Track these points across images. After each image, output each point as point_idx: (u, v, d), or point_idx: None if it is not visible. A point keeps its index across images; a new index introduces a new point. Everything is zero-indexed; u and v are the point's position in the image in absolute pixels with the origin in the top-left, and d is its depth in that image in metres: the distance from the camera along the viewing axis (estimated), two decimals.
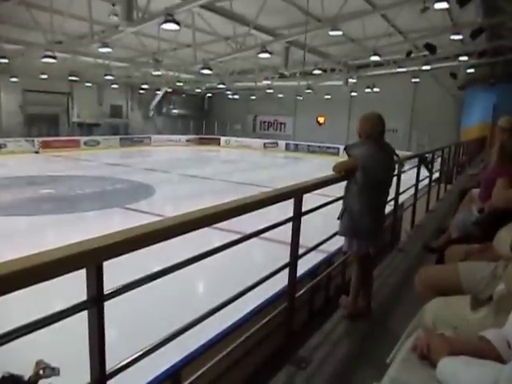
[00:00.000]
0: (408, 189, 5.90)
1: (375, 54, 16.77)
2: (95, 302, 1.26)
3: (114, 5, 12.96)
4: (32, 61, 18.83)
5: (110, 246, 1.24)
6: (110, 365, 1.38)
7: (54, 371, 2.01)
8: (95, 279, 1.25)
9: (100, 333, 1.29)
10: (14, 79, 23.48)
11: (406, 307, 3.25)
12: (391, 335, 2.64)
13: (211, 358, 2.37)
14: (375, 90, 25.68)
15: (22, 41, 16.40)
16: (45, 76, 23.49)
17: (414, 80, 23.17)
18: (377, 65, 21.25)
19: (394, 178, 3.90)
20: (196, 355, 4.17)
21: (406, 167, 5.22)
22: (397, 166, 3.61)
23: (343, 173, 3.01)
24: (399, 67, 20.16)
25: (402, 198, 5.67)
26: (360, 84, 25.10)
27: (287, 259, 2.57)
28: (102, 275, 1.27)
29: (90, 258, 1.22)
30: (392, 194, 4.08)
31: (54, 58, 15.62)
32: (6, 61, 17.07)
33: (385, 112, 3.41)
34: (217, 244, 1.92)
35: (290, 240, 2.54)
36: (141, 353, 1.48)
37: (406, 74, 22.02)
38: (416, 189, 6.14)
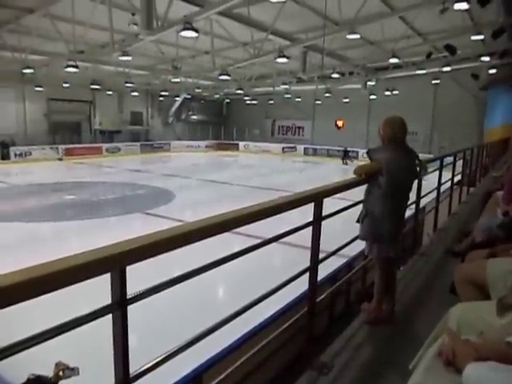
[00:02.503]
0: (430, 192, 5.81)
1: (394, 57, 16.63)
2: (119, 305, 1.28)
3: (133, 14, 13.22)
4: (55, 70, 19.36)
5: (133, 251, 1.26)
6: (133, 368, 1.40)
7: (73, 372, 2.05)
8: (119, 283, 1.27)
9: (124, 336, 1.31)
10: (38, 88, 24.15)
11: (429, 312, 3.19)
12: (414, 340, 2.60)
13: (232, 363, 2.37)
14: (394, 92, 25.42)
15: (45, 51, 16.90)
16: (67, 85, 24.10)
17: (434, 82, 22.87)
18: (396, 67, 21.03)
19: (415, 182, 3.85)
20: (217, 359, 4.18)
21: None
22: (420, 171, 3.55)
23: (363, 176, 2.98)
24: (419, 69, 19.92)
25: (423, 202, 5.58)
26: (379, 87, 24.90)
27: (306, 263, 2.56)
28: (126, 279, 1.29)
29: (115, 263, 1.24)
30: (413, 198, 4.03)
31: (76, 67, 16.03)
32: (31, 71, 17.58)
33: (405, 114, 3.38)
34: (236, 248, 1.92)
35: (308, 244, 2.53)
36: (163, 356, 1.50)
37: (425, 76, 21.72)
38: (438, 192, 6.04)
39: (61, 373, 2.04)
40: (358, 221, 3.10)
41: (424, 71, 20.07)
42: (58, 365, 2.07)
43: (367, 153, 3.10)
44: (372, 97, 27.13)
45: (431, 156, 7.09)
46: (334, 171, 23.45)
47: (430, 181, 5.66)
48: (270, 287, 2.25)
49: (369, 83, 23.80)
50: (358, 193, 3.17)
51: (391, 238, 3.04)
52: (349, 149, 28.61)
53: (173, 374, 3.74)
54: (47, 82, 23.58)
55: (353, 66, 22.08)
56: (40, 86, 23.96)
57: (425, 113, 27.43)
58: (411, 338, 2.80)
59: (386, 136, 3.05)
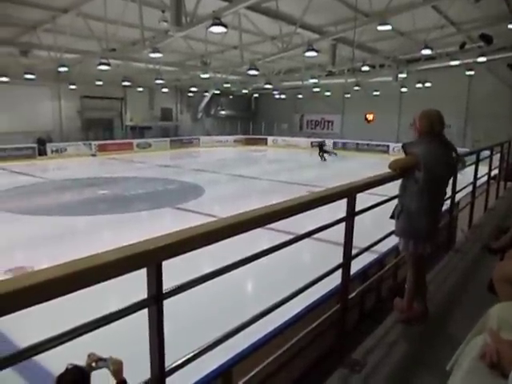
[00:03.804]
0: (465, 187, 5.63)
1: (426, 48, 16.11)
2: (155, 300, 1.30)
3: (163, 11, 13.36)
4: (88, 68, 19.84)
5: (169, 246, 1.28)
6: (167, 362, 1.42)
7: (105, 363, 2.10)
8: (155, 278, 1.29)
9: (159, 330, 1.33)
10: (72, 86, 24.83)
11: (465, 311, 3.11)
12: (450, 340, 2.53)
13: (262, 357, 2.38)
14: (426, 84, 24.69)
15: (79, 50, 17.32)
16: (100, 82, 24.66)
17: (468, 73, 22.06)
18: (428, 58, 20.42)
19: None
20: (247, 354, 4.21)
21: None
22: (459, 165, 3.43)
23: (398, 171, 2.90)
24: (452, 60, 19.24)
25: (457, 197, 5.42)
26: (410, 79, 24.24)
27: (335, 259, 2.53)
28: (162, 274, 1.31)
29: (151, 258, 1.26)
30: (448, 193, 3.91)
31: (108, 64, 16.37)
32: (66, 69, 18.07)
33: (437, 107, 3.25)
34: (264, 243, 1.92)
35: (335, 239, 2.50)
36: (197, 351, 1.51)
37: (459, 67, 20.98)
38: (474, 186, 5.85)
39: (93, 364, 2.10)
40: (392, 217, 3.03)
41: (458, 62, 19.36)
42: (90, 356, 2.13)
43: (402, 147, 3.01)
44: (403, 89, 26.43)
45: (466, 150, 6.86)
46: (364, 165, 23.06)
47: (464, 175, 5.49)
48: (298, 283, 2.23)
49: (400, 75, 23.20)
50: (392, 188, 3.10)
51: (428, 234, 2.96)
52: (326, 142, 27.37)
53: (202, 367, 3.79)
54: (80, 79, 24.21)
55: (383, 58, 21.60)
56: (74, 84, 24.63)
57: (458, 105, 26.56)
58: (446, 337, 2.74)
59: (422, 129, 2.94)
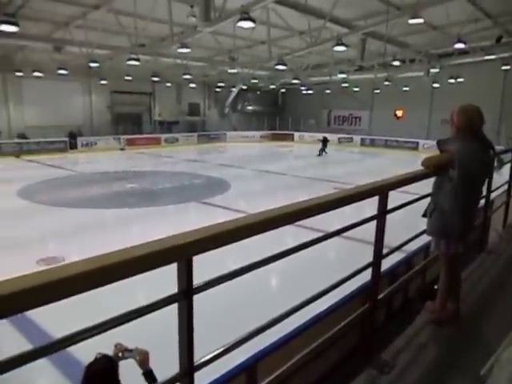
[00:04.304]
0: (501, 186, 5.43)
1: (460, 42, 15.60)
2: (185, 295, 1.30)
3: (192, 6, 13.44)
4: (118, 64, 20.20)
5: (199, 241, 1.27)
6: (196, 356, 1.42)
7: (131, 353, 2.13)
8: (185, 273, 1.28)
9: (189, 325, 1.33)
10: (103, 82, 25.35)
11: (499, 314, 3.00)
12: (484, 344, 2.45)
13: (288, 354, 2.36)
14: (459, 80, 23.96)
15: (109, 45, 17.63)
16: (129, 78, 25.08)
17: (504, 68, 21.30)
18: (462, 53, 19.81)
19: None
20: (272, 349, 4.20)
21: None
22: (496, 164, 3.29)
23: (431, 168, 2.80)
24: (487, 54, 18.58)
25: (492, 196, 5.23)
26: (442, 74, 23.59)
27: (361, 256, 2.47)
28: (192, 269, 1.30)
29: (182, 253, 1.26)
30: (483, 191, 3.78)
31: (137, 60, 16.61)
32: (96, 65, 18.44)
33: (470, 103, 3.13)
34: (290, 240, 1.89)
35: (359, 237, 2.44)
36: (226, 347, 1.51)
37: (494, 62, 20.28)
38: (509, 186, 5.64)
39: (120, 354, 2.14)
40: (424, 215, 2.95)
41: (493, 57, 18.71)
42: (117, 346, 2.17)
43: (437, 143, 2.91)
44: (435, 85, 25.72)
45: (501, 147, 6.61)
46: (394, 162, 22.66)
47: (500, 173, 5.29)
48: (325, 280, 2.20)
49: (431, 70, 22.60)
50: (421, 186, 3.01)
51: (461, 233, 2.86)
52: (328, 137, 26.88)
53: (228, 361, 3.80)
54: (111, 75, 24.68)
55: (415, 52, 21.08)
56: (104, 79, 25.15)
57: (492, 101, 25.62)
58: (480, 340, 2.65)
59: (460, 125, 2.82)
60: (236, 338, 1.58)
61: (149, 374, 2.15)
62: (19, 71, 22.27)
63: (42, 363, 1.29)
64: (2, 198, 12.59)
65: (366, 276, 2.58)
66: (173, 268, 1.28)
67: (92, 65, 18.47)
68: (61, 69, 20.54)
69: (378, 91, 28.98)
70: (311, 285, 2.43)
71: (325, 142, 26.37)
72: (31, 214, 11.00)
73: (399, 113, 31.52)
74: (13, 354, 1.01)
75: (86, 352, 2.10)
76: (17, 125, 24.28)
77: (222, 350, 1.50)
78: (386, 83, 24.69)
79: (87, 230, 9.49)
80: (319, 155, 25.69)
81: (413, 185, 2.75)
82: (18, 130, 24.22)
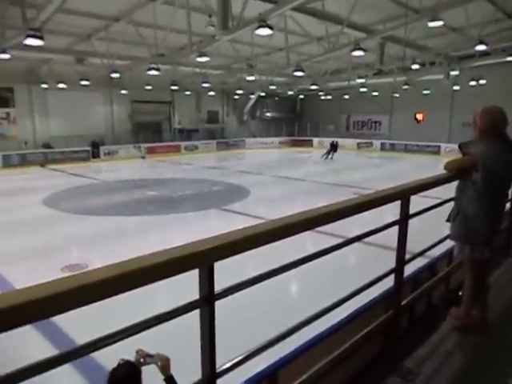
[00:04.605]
0: None
1: (481, 43, 15.34)
2: (207, 301, 1.30)
3: (210, 16, 13.61)
4: (138, 74, 20.57)
5: (220, 248, 1.28)
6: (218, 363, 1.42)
7: (153, 359, 2.14)
8: (207, 279, 1.29)
9: (211, 331, 1.34)
10: (123, 91, 25.85)
11: None
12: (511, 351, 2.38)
13: (309, 361, 2.34)
14: (481, 82, 23.50)
15: (130, 56, 17.98)
16: (149, 87, 25.50)
17: None
18: (482, 54, 19.42)
19: None
20: (294, 356, 4.16)
21: None
22: None
23: (454, 172, 2.75)
24: (509, 55, 18.18)
25: None
26: (463, 76, 23.17)
27: (382, 262, 2.44)
28: (213, 275, 1.31)
29: (203, 259, 1.27)
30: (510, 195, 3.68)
31: (157, 69, 16.88)
32: (117, 75, 18.83)
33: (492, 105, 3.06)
34: (310, 246, 1.88)
35: (380, 242, 2.41)
36: (248, 353, 1.51)
37: None
38: None
39: (142, 360, 2.15)
40: (448, 220, 2.89)
41: None
42: (138, 352, 2.18)
43: (459, 147, 2.85)
44: (455, 87, 25.30)
45: None
46: (415, 167, 22.33)
47: None
48: (345, 286, 2.18)
49: (452, 73, 22.21)
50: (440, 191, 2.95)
51: (486, 238, 2.79)
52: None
53: (249, 369, 3.78)
54: (131, 85, 25.16)
55: (434, 55, 20.81)
56: (125, 89, 25.64)
57: None
58: (507, 348, 2.57)
59: (484, 127, 2.77)
60: (257, 344, 1.58)
61: (170, 380, 2.15)
62: (44, 83, 22.95)
63: (65, 368, 1.31)
64: (28, 207, 12.92)
65: (389, 282, 2.54)
66: (187, 275, 1.28)
67: (113, 75, 18.85)
68: (83, 80, 21.05)
69: (398, 95, 28.67)
70: (332, 291, 2.41)
71: (334, 146, 26.75)
72: (56, 221, 11.25)
73: (419, 116, 31.08)
74: (38, 359, 1.03)
75: (108, 358, 2.13)
76: (42, 135, 24.95)
77: (243, 356, 1.50)
78: (406, 87, 24.41)
79: (109, 237, 9.64)
80: (325, 158, 26.24)
81: (435, 189, 2.71)
82: (42, 140, 24.88)
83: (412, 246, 2.82)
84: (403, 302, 2.53)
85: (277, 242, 1.53)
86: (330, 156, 26.44)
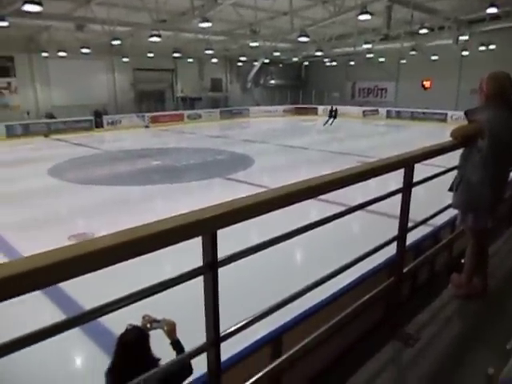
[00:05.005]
0: None
1: (492, 6, 14.81)
2: (211, 267, 1.32)
3: None
4: (140, 41, 20.17)
5: (224, 215, 1.29)
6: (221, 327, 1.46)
7: (159, 324, 2.20)
8: (210, 246, 1.31)
9: (215, 297, 1.37)
10: (125, 59, 25.43)
11: None
12: (511, 318, 2.42)
13: (313, 326, 2.39)
14: (491, 47, 22.82)
15: (131, 22, 17.59)
16: (151, 55, 25.06)
17: None
18: (493, 18, 18.77)
19: None
20: (297, 322, 4.26)
21: None
22: None
23: (460, 139, 2.71)
24: None
25: None
26: (472, 42, 22.50)
27: (385, 230, 2.45)
28: (217, 243, 1.33)
29: (206, 227, 1.28)
30: None
31: (159, 36, 16.55)
32: (118, 42, 18.49)
33: (503, 71, 2.98)
34: (313, 214, 1.89)
35: (383, 210, 2.41)
36: (251, 319, 1.54)
37: None
38: None
39: (148, 325, 2.21)
40: (450, 189, 2.87)
41: None
42: (145, 318, 2.25)
43: (465, 114, 2.80)
44: (464, 53, 24.62)
45: None
46: (421, 135, 22.09)
47: None
48: (348, 254, 2.20)
49: (461, 38, 21.55)
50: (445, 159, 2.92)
51: (490, 207, 2.77)
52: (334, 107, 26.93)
53: (254, 334, 3.89)
54: (133, 52, 24.73)
55: (443, 19, 20.16)
56: (126, 57, 25.21)
57: None
58: (506, 315, 2.61)
59: (490, 93, 2.71)
60: (260, 310, 1.61)
61: (176, 344, 2.22)
62: (45, 51, 22.59)
63: (74, 333, 1.34)
64: (34, 177, 12.99)
65: (392, 250, 2.57)
66: (194, 242, 1.30)
67: (114, 42, 18.52)
68: (84, 48, 20.68)
69: (405, 61, 28.04)
70: (335, 259, 2.44)
71: (332, 112, 26.62)
72: (61, 191, 11.33)
73: (427, 83, 30.46)
74: (47, 324, 1.06)
75: (116, 323, 2.19)
76: (44, 105, 24.77)
77: (246, 321, 1.54)
78: (413, 53, 23.82)
79: (114, 206, 9.73)
80: (324, 124, 26.18)
81: (440, 158, 2.68)
82: (45, 109, 24.72)
83: (415, 215, 2.83)
84: (405, 270, 2.56)
85: (279, 210, 1.54)
86: (329, 122, 26.23)
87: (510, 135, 2.71)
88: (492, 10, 15.16)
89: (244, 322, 1.53)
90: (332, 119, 26.40)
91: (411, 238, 5.47)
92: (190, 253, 1.62)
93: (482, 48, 22.94)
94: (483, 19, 19.56)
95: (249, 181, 11.90)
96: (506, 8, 16.86)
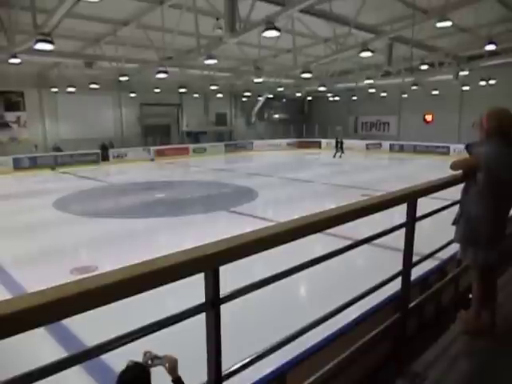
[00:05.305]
0: None
1: (491, 43, 15.22)
2: (213, 304, 1.32)
3: (217, 19, 13.67)
4: (147, 77, 20.72)
5: (226, 251, 1.29)
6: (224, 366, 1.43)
7: (161, 361, 2.15)
8: (212, 283, 1.31)
9: (217, 334, 1.35)
10: (132, 94, 26.06)
11: None
12: None
13: (316, 364, 2.34)
14: (491, 82, 23.26)
15: (138, 59, 18.13)
16: (158, 90, 25.65)
17: None
18: (492, 54, 19.24)
19: None
20: (301, 359, 4.15)
21: None
22: None
23: (461, 172, 2.73)
24: None
25: None
26: (472, 76, 22.94)
27: (391, 264, 2.43)
28: (219, 279, 1.32)
29: (209, 263, 1.28)
30: None
31: (165, 72, 16.99)
32: (126, 78, 18.99)
33: (503, 106, 3.04)
34: (318, 248, 1.89)
35: (389, 244, 2.40)
36: (254, 356, 1.52)
37: None
38: None
39: (149, 361, 2.16)
40: (453, 223, 2.86)
41: None
42: (146, 354, 2.20)
43: (466, 147, 2.84)
44: (465, 88, 25.07)
45: None
46: (424, 168, 22.18)
47: None
48: (353, 289, 2.17)
49: (461, 73, 22.01)
50: (453, 192, 2.94)
51: (489, 242, 2.75)
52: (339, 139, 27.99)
53: (256, 372, 3.79)
54: (140, 88, 25.37)
55: (443, 55, 20.68)
56: (134, 92, 25.83)
57: None
58: None
59: (490, 129, 2.75)
60: (263, 348, 1.59)
61: (178, 382, 2.17)
62: (54, 87, 23.22)
63: (74, 370, 1.33)
64: (38, 210, 13.05)
65: (398, 284, 2.54)
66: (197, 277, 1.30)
67: (122, 78, 19.02)
68: (92, 83, 21.25)
69: (406, 96, 28.53)
70: (340, 294, 2.41)
71: (339, 143, 27.98)
72: (66, 224, 11.35)
73: (429, 117, 30.87)
74: (49, 361, 1.05)
75: (116, 359, 2.15)
76: (52, 138, 25.24)
77: (249, 359, 1.51)
78: (414, 87, 24.28)
79: (118, 239, 9.70)
80: (334, 157, 27.53)
81: (446, 190, 2.69)
82: (52, 143, 25.16)
83: (421, 247, 2.81)
84: (411, 305, 2.52)
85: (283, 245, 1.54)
86: (338, 154, 27.29)
87: (509, 171, 2.72)
88: (491, 47, 15.55)
89: (247, 360, 1.51)
90: (340, 151, 27.49)
91: (418, 271, 5.40)
92: (194, 284, 1.61)
93: (483, 83, 23.37)
94: (482, 55, 20.02)
95: (253, 214, 11.89)
96: (504, 45, 17.28)
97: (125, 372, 2.06)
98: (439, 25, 12.32)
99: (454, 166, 2.78)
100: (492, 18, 14.41)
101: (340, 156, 27.27)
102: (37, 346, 4.27)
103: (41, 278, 4.27)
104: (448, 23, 12.23)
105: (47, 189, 17.30)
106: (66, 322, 1.07)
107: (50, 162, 23.78)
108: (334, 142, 30.39)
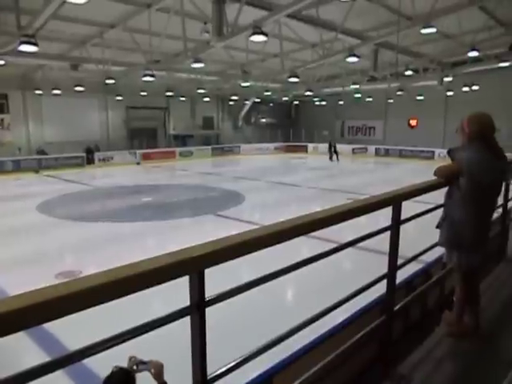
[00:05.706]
0: None
1: (474, 50, 15.55)
2: (198, 307, 1.31)
3: (205, 23, 13.68)
4: (134, 80, 20.60)
5: (211, 254, 1.29)
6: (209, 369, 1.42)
7: (146, 366, 2.13)
8: (197, 286, 1.30)
9: (202, 337, 1.34)
10: (118, 97, 25.87)
11: None
12: (503, 358, 2.39)
13: (303, 367, 2.34)
14: (474, 88, 23.74)
15: (125, 62, 18.02)
16: (144, 93, 25.52)
17: None
18: (475, 60, 19.63)
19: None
20: (288, 363, 4.15)
21: None
22: (506, 173, 3.23)
23: (442, 176, 2.77)
24: (502, 61, 18.39)
25: (510, 205, 5.15)
26: (456, 82, 23.39)
27: (377, 267, 2.45)
28: (204, 282, 1.32)
29: (193, 266, 1.28)
30: (500, 200, 3.71)
31: (152, 76, 16.91)
32: (112, 81, 18.85)
33: (486, 111, 3.10)
34: (304, 251, 1.89)
35: (372, 247, 2.43)
36: (239, 360, 1.51)
37: (509, 69, 20.04)
38: None
39: (135, 367, 2.14)
40: (437, 226, 2.90)
41: (507, 64, 18.50)
42: (131, 359, 2.17)
43: (448, 152, 2.89)
44: (449, 93, 25.54)
45: None
46: (409, 172, 22.45)
47: None
48: (338, 291, 2.19)
49: (445, 79, 22.42)
50: (438, 195, 2.98)
51: (473, 245, 2.80)
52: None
53: (242, 375, 3.77)
54: (126, 91, 25.21)
55: (427, 61, 21.02)
56: (120, 96, 25.65)
57: (509, 108, 25.25)
58: (500, 355, 2.59)
59: (471, 133, 2.79)
60: (249, 351, 1.58)
61: None
62: (39, 89, 22.92)
63: (57, 376, 1.31)
64: (22, 213, 12.84)
65: (384, 287, 2.56)
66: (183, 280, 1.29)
67: (108, 81, 18.87)
68: (78, 86, 21.04)
69: (392, 101, 28.89)
70: (326, 297, 2.42)
71: (331, 147, 28.70)
72: (49, 228, 11.18)
73: (413, 122, 31.31)
74: (31, 365, 1.03)
75: (101, 364, 2.12)
76: (36, 141, 24.87)
77: (235, 363, 1.51)
78: (400, 93, 24.61)
79: (103, 243, 9.59)
80: (331, 159, 28.42)
81: (430, 194, 2.73)
82: (37, 146, 24.79)
83: (406, 250, 2.84)
84: (396, 307, 2.55)
85: (268, 248, 1.54)
86: (335, 157, 28.32)
87: (490, 176, 2.75)
88: (473, 54, 15.89)
89: (233, 364, 1.50)
90: (335, 155, 28.24)
91: (403, 273, 5.45)
92: (178, 287, 1.60)
93: (466, 89, 23.80)
94: (466, 62, 20.40)
95: (240, 217, 11.88)
96: (487, 52, 17.65)
97: (110, 377, 2.03)
98: (424, 31, 12.54)
99: (437, 173, 2.82)
100: (475, 26, 14.69)
101: (337, 159, 27.90)
102: (17, 350, 4.19)
103: (25, 283, 4.20)
104: (432, 30, 12.46)
105: (31, 192, 17.03)
106: (48, 325, 1.05)
107: (34, 165, 23.43)
108: (324, 146, 30.91)
